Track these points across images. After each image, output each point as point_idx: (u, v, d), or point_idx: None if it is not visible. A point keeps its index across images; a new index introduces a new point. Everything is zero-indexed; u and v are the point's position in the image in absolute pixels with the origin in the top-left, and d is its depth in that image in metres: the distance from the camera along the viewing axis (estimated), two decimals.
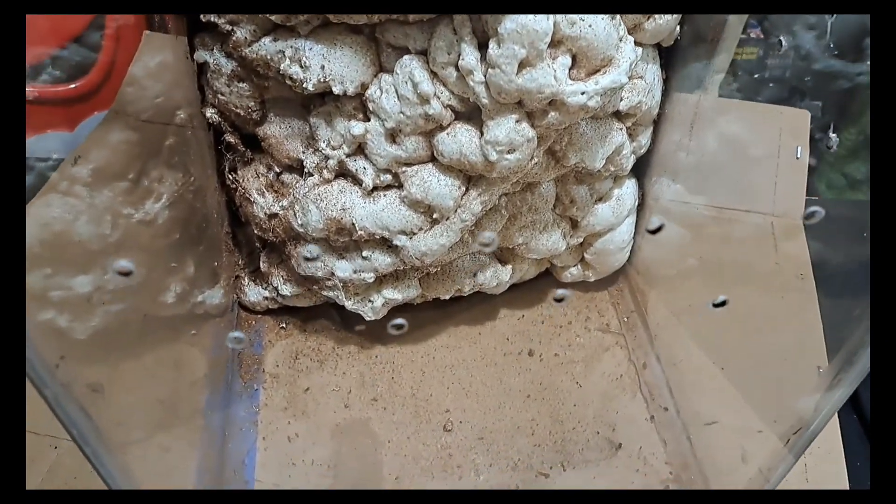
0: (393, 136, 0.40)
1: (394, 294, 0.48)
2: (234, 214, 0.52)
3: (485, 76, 0.37)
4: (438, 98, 0.38)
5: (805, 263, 0.45)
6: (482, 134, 0.39)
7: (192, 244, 0.50)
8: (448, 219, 0.42)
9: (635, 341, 0.55)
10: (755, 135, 0.60)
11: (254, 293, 0.53)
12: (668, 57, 0.46)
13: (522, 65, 0.35)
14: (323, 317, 0.55)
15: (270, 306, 0.54)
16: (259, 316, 0.55)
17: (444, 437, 0.48)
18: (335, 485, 0.45)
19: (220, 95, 0.42)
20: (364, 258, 0.45)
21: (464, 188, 0.42)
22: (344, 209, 0.42)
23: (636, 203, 0.52)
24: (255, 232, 0.48)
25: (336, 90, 0.38)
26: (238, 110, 0.42)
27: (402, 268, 0.46)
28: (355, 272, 0.46)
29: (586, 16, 0.35)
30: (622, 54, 0.37)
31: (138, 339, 0.45)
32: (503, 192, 0.44)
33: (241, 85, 0.41)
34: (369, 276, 0.46)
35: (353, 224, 0.42)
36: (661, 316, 0.53)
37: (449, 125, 0.39)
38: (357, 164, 0.42)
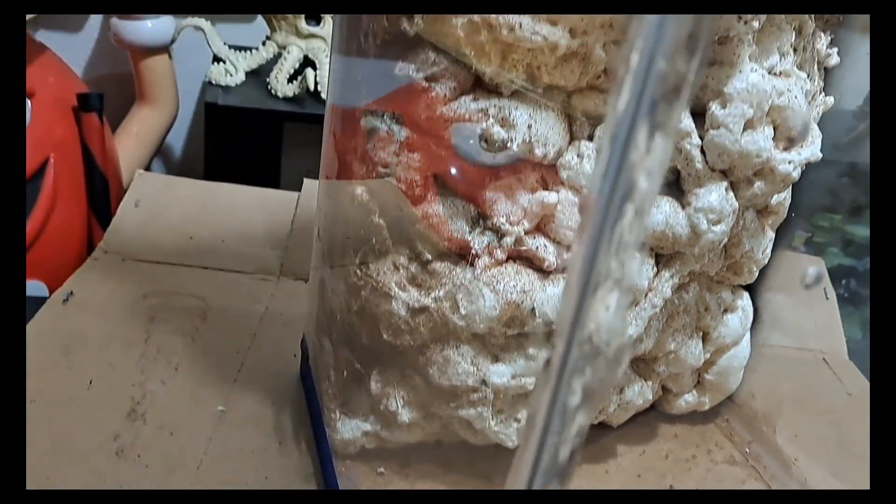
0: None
1: None
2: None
3: (702, 139, 0.35)
4: None
5: None
6: (682, 206, 0.37)
7: None
8: (638, 304, 0.38)
9: (767, 472, 0.49)
10: None
11: (349, 429, 0.43)
12: None
13: (745, 127, 0.35)
14: (426, 460, 0.45)
15: (367, 445, 0.43)
16: (348, 461, 0.44)
17: None
18: None
19: (380, 167, 0.37)
20: (528, 357, 0.38)
21: (655, 269, 0.38)
22: (524, 291, 0.37)
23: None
24: (386, 337, 0.40)
25: (538, 152, 0.35)
26: (400, 185, 0.37)
27: None
28: (514, 377, 0.39)
29: (792, 85, 0.36)
30: (815, 129, 0.38)
31: None
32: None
33: (412, 155, 0.37)
34: (529, 382, 0.39)
35: (533, 310, 0.37)
36: (792, 447, 0.49)
37: None
38: (537, 242, 0.37)
